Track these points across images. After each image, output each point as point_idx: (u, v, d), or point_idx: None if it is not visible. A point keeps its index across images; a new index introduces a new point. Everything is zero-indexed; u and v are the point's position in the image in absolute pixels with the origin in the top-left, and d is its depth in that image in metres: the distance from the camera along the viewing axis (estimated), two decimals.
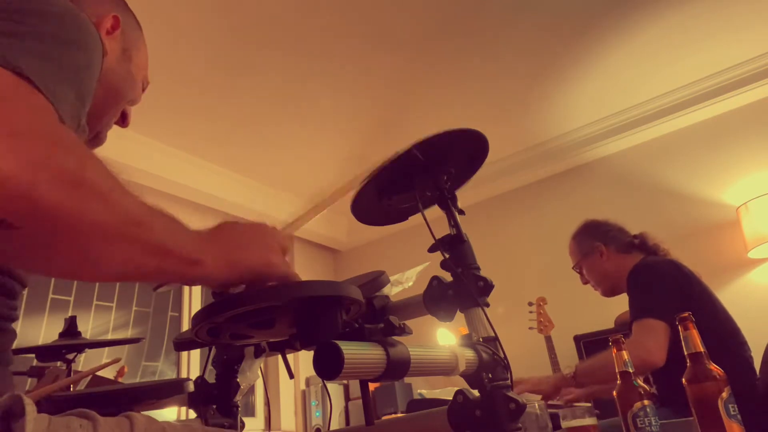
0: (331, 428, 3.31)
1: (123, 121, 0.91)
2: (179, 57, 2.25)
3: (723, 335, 1.69)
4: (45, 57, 0.53)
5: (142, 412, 0.64)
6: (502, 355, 0.81)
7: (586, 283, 2.08)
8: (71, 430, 0.53)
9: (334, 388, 3.26)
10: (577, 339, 2.66)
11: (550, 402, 1.76)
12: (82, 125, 0.63)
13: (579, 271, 2.08)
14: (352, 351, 0.58)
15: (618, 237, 2.01)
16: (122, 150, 2.63)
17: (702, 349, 1.04)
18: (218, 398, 1.00)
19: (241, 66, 2.42)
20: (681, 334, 1.06)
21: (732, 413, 0.97)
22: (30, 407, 0.48)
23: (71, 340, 1.43)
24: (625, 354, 1.13)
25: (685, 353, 1.05)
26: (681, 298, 1.69)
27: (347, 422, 3.24)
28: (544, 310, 2.58)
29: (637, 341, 1.61)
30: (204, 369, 1.05)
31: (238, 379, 1.02)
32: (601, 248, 1.99)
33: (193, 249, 0.56)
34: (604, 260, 1.98)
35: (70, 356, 1.44)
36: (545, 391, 1.78)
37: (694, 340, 1.05)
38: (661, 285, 1.73)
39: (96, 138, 0.87)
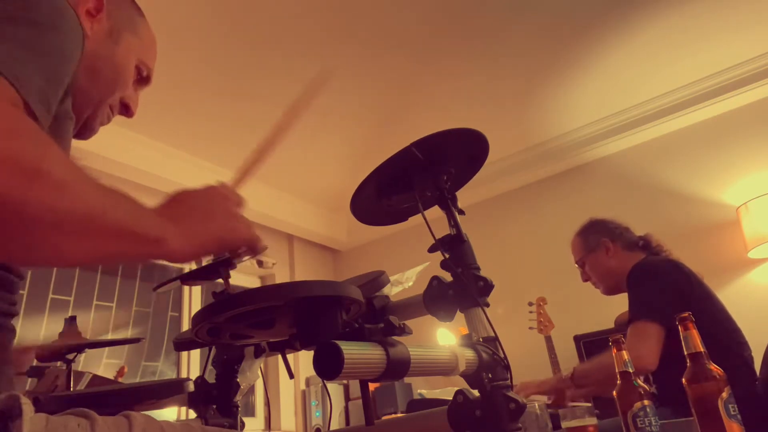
0: (331, 428, 3.31)
1: (126, 110, 0.89)
2: (179, 57, 2.25)
3: (723, 336, 1.69)
4: (9, 39, 0.52)
5: (142, 412, 0.64)
6: (502, 355, 0.81)
7: (586, 280, 2.06)
8: (69, 430, 0.53)
9: (334, 388, 3.26)
10: (577, 339, 2.66)
11: (548, 403, 1.76)
12: (65, 111, 0.62)
13: (581, 267, 2.06)
14: (352, 351, 0.58)
15: (624, 235, 2.01)
16: (121, 149, 2.63)
17: (702, 349, 1.04)
18: (218, 398, 1.00)
19: (240, 66, 2.42)
20: (681, 334, 1.06)
21: (732, 413, 0.97)
22: (27, 407, 0.48)
23: (71, 340, 1.43)
24: (625, 354, 1.13)
25: (685, 353, 1.05)
26: (680, 298, 1.69)
27: (347, 422, 3.24)
28: (544, 310, 2.57)
29: (628, 346, 1.61)
30: (204, 369, 1.05)
31: (238, 379, 1.02)
32: (608, 244, 1.98)
33: (154, 228, 0.57)
34: (610, 257, 1.97)
35: (70, 356, 1.43)
36: (547, 393, 1.78)
37: (694, 340, 1.05)
38: (660, 285, 1.73)
39: (85, 126, 0.85)
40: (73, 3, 0.77)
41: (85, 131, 0.85)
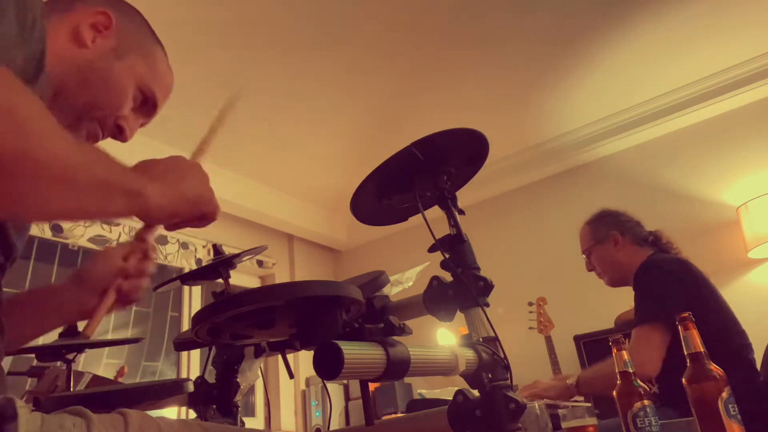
0: (331, 428, 3.31)
1: (120, 133, 0.86)
2: (175, 56, 2.25)
3: (729, 336, 1.69)
4: None
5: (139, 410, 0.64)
6: (502, 355, 0.81)
7: (591, 270, 2.04)
8: (65, 429, 0.53)
9: (334, 388, 3.26)
10: (577, 339, 2.66)
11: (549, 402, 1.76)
12: (34, 79, 0.60)
13: (587, 257, 2.04)
14: (352, 351, 0.58)
15: (635, 229, 2.00)
16: (120, 149, 2.63)
17: (702, 349, 1.04)
18: (218, 398, 1.00)
19: (240, 66, 2.42)
20: (681, 334, 1.06)
21: (732, 413, 0.97)
22: (22, 410, 0.48)
23: (71, 340, 1.43)
24: (625, 354, 1.13)
25: (685, 353, 1.05)
26: (686, 297, 1.68)
27: (347, 422, 3.24)
28: (544, 310, 2.57)
29: (631, 350, 1.61)
30: (204, 369, 1.05)
31: (238, 379, 1.02)
32: (617, 236, 1.96)
33: (134, 182, 0.60)
34: (618, 249, 1.95)
35: (70, 356, 1.43)
36: (552, 398, 1.78)
37: (694, 340, 1.05)
38: (666, 284, 1.72)
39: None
40: (78, 16, 0.78)
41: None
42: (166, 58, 0.93)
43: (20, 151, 0.45)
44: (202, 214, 0.73)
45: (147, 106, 0.90)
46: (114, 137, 0.87)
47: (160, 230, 0.85)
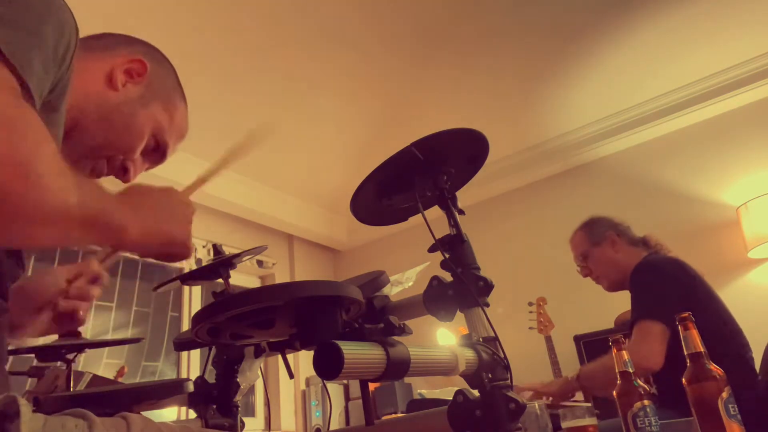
0: (331, 428, 3.31)
1: (123, 174, 0.87)
2: (177, 56, 2.25)
3: (725, 336, 1.69)
4: (13, 24, 0.53)
5: (142, 413, 0.64)
6: (502, 355, 0.81)
7: (587, 275, 2.03)
8: (67, 430, 0.53)
9: (334, 388, 3.26)
10: (577, 339, 2.66)
11: (548, 402, 1.76)
12: (56, 107, 0.63)
13: (583, 262, 2.02)
14: (352, 351, 0.58)
15: (627, 231, 2.00)
16: None
17: (702, 349, 1.04)
18: (218, 398, 1.00)
19: (240, 66, 2.42)
20: (681, 334, 1.06)
21: (732, 413, 0.97)
22: (25, 408, 0.48)
23: (71, 340, 1.43)
24: (625, 354, 1.13)
25: (685, 353, 1.05)
26: (683, 297, 1.68)
27: (347, 422, 3.24)
28: (544, 310, 2.57)
29: (632, 346, 1.61)
30: (204, 369, 1.05)
31: (238, 379, 1.02)
32: (614, 237, 1.96)
33: (119, 218, 0.61)
34: (616, 250, 1.95)
35: (70, 356, 1.43)
36: (553, 393, 1.78)
37: (693, 340, 1.05)
38: (663, 284, 1.73)
39: (75, 166, 0.85)
40: (116, 59, 0.81)
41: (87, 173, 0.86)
42: (186, 109, 0.95)
43: (21, 194, 0.47)
44: (171, 254, 0.72)
45: (157, 153, 0.92)
46: (117, 176, 0.88)
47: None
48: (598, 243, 1.98)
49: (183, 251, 0.72)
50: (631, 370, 1.10)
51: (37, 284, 0.87)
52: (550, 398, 1.79)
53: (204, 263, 0.75)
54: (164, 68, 0.91)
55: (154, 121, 0.87)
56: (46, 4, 0.59)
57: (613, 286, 1.98)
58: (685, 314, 1.06)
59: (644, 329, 1.65)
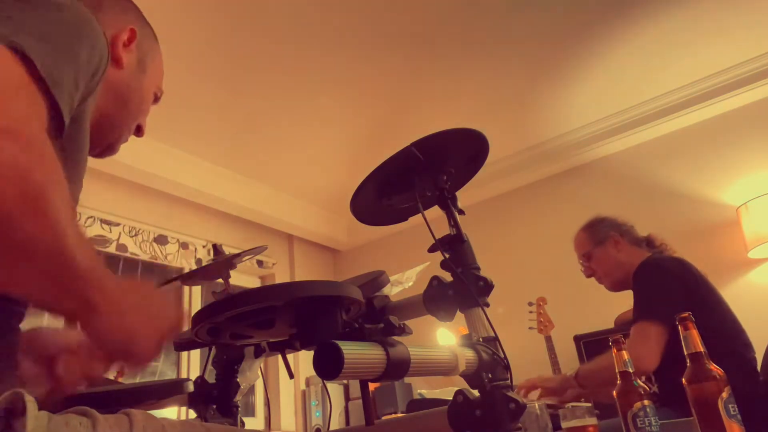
0: (331, 428, 3.31)
1: (138, 131, 0.92)
2: (177, 55, 2.25)
3: (727, 336, 1.69)
4: (48, 39, 0.53)
5: (142, 411, 0.64)
6: (502, 355, 0.81)
7: (590, 275, 2.03)
8: (71, 428, 0.53)
9: (334, 388, 3.26)
10: (577, 339, 2.66)
11: (548, 402, 1.76)
12: (81, 117, 0.64)
13: (587, 261, 2.02)
14: (352, 351, 0.58)
15: (631, 231, 2.00)
16: (120, 149, 2.62)
17: (702, 349, 1.04)
18: (218, 398, 1.01)
19: (240, 65, 2.42)
20: (681, 333, 1.06)
21: (732, 413, 0.97)
22: (31, 404, 0.48)
23: None
24: (625, 354, 1.13)
25: (685, 353, 1.05)
26: (685, 297, 1.68)
27: (347, 422, 3.24)
28: (544, 310, 2.57)
29: (629, 346, 1.61)
30: (204, 369, 1.05)
31: (238, 379, 1.02)
32: (617, 237, 1.96)
33: (99, 296, 0.54)
34: (618, 250, 1.94)
35: None
36: (553, 387, 1.78)
37: (694, 340, 1.05)
38: (665, 284, 1.72)
39: (109, 149, 0.89)
40: (115, 34, 0.81)
41: (107, 152, 0.90)
42: (160, 49, 0.96)
43: (32, 237, 0.46)
44: (125, 358, 0.63)
45: (155, 101, 0.96)
46: (134, 135, 0.93)
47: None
48: (600, 243, 1.98)
49: (138, 360, 0.62)
50: (631, 370, 1.10)
51: (44, 334, 0.77)
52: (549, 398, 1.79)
53: (204, 263, 0.74)
54: (143, 22, 0.91)
55: (154, 80, 0.91)
56: (80, 21, 0.60)
57: (617, 286, 1.98)
58: (685, 314, 1.06)
59: (642, 330, 1.65)
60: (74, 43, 0.58)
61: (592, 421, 1.20)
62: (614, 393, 1.11)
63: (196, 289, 3.16)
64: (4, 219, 0.44)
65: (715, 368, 1.02)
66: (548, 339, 2.45)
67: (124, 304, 0.58)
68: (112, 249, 2.77)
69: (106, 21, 0.79)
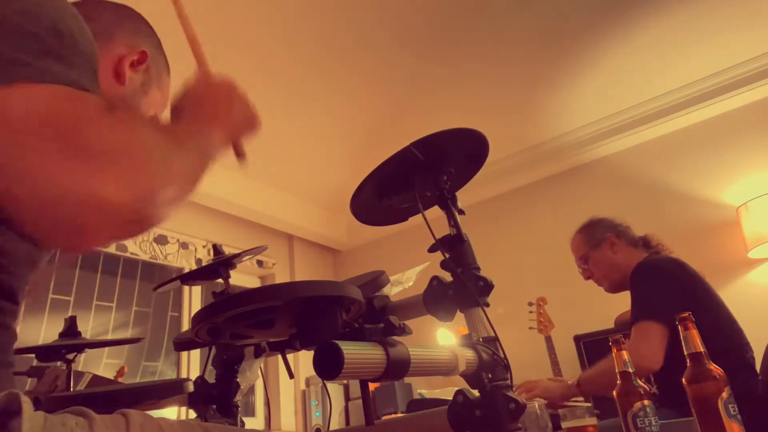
0: (331, 428, 3.31)
1: None
2: (177, 55, 2.25)
3: (725, 336, 1.69)
4: (67, 62, 0.55)
5: (140, 411, 0.64)
6: (502, 355, 0.81)
7: (588, 277, 2.04)
8: (67, 428, 0.53)
9: (334, 388, 3.26)
10: (577, 339, 2.66)
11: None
12: None
13: (584, 263, 2.03)
14: (352, 351, 0.58)
15: (627, 232, 2.00)
16: None
17: (702, 349, 1.04)
18: (218, 398, 1.01)
19: (240, 65, 2.42)
20: (681, 334, 1.06)
21: (732, 413, 0.97)
22: (27, 405, 0.48)
23: (71, 340, 1.43)
24: (625, 354, 1.13)
25: (685, 353, 1.05)
26: (683, 297, 1.68)
27: (347, 422, 3.24)
28: (544, 310, 2.57)
29: (631, 346, 1.61)
30: (204, 369, 1.05)
31: (238, 379, 1.02)
32: (613, 239, 1.96)
33: (206, 147, 0.68)
34: (615, 252, 1.95)
35: (70, 356, 1.43)
36: (554, 399, 1.78)
37: (694, 340, 1.05)
38: (663, 284, 1.73)
39: None
40: (124, 53, 0.82)
41: None
42: (169, 79, 0.97)
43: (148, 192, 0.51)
44: (248, 132, 0.82)
45: None
46: None
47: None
48: (596, 245, 1.99)
49: (255, 124, 0.83)
50: (631, 370, 1.10)
51: None
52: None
53: (204, 263, 0.75)
54: (157, 48, 0.92)
55: (154, 105, 0.91)
56: (91, 41, 0.61)
57: (614, 288, 1.98)
58: (685, 314, 1.06)
59: (643, 329, 1.65)
60: (89, 62, 0.60)
61: (592, 421, 1.20)
62: (614, 393, 1.11)
63: (196, 289, 3.16)
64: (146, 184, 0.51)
65: (715, 368, 1.02)
66: (548, 339, 2.45)
67: (218, 115, 0.74)
68: (112, 249, 2.77)
69: (122, 38, 0.83)
